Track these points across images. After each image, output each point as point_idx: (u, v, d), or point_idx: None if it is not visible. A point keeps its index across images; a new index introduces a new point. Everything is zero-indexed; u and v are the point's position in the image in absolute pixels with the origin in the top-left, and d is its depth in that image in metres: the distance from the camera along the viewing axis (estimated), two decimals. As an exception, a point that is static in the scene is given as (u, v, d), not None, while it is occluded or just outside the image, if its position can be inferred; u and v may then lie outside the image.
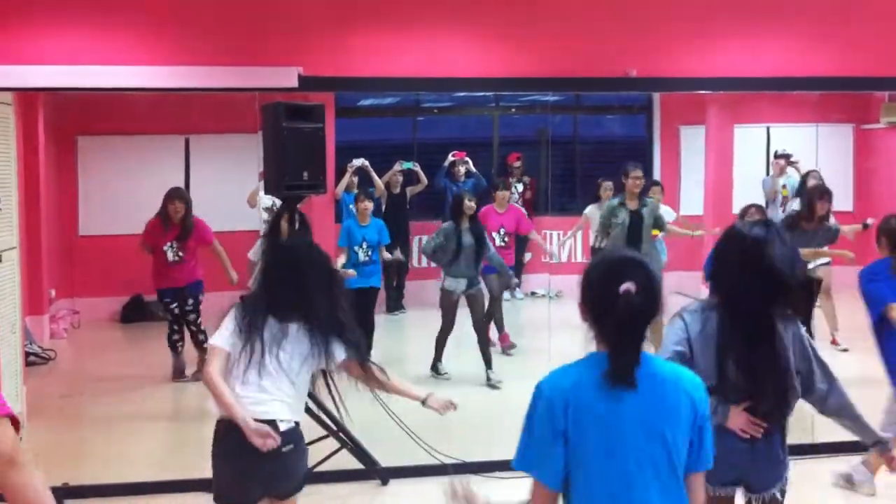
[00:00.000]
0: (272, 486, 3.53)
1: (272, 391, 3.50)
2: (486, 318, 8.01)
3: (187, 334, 7.70)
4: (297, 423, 3.58)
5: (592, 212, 8.91)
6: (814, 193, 7.71)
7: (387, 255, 8.44)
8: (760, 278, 3.06)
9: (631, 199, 7.73)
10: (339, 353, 3.61)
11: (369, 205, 8.28)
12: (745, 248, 3.12)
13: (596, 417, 2.31)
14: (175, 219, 7.64)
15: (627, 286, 2.28)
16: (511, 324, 8.69)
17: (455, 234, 7.46)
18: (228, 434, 3.45)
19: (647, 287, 2.31)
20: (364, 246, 8.13)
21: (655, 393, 2.34)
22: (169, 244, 7.61)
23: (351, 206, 9.12)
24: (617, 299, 2.28)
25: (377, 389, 3.87)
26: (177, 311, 7.64)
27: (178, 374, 7.67)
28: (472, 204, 7.58)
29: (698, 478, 2.42)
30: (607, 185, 9.13)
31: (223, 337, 3.55)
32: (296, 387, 3.57)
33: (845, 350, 7.90)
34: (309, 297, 3.59)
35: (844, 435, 3.43)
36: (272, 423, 3.44)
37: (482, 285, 7.75)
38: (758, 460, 3.19)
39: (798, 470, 3.46)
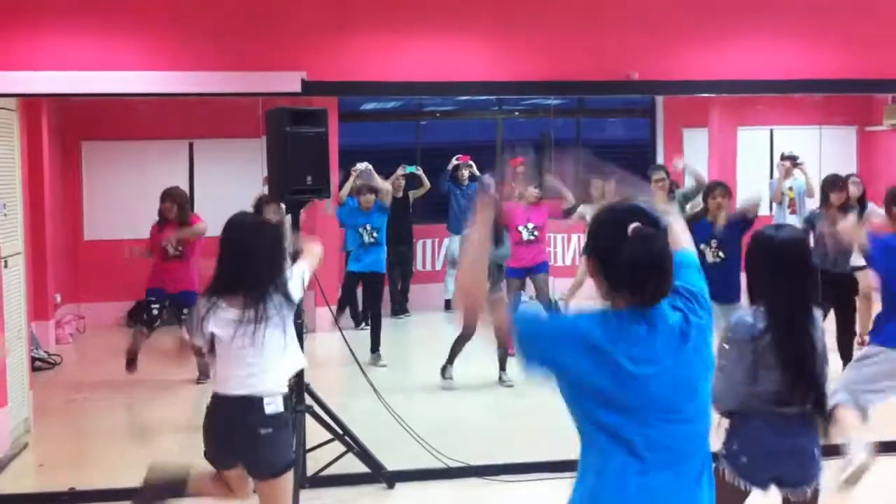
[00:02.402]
0: (247, 463, 3.73)
1: (255, 366, 3.64)
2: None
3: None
4: (285, 403, 3.69)
5: (584, 210, 8.97)
6: (825, 186, 7.72)
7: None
8: (797, 276, 3.20)
9: (659, 201, 7.82)
10: (294, 292, 3.76)
11: (371, 197, 8.57)
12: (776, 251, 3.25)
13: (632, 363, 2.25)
14: (169, 217, 7.66)
15: (636, 226, 2.25)
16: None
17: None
18: (216, 409, 3.70)
19: (655, 227, 2.28)
20: (368, 227, 8.42)
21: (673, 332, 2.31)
22: (168, 240, 7.63)
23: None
24: (626, 240, 2.24)
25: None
26: (155, 312, 7.59)
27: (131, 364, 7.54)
28: None
29: None
30: (597, 185, 9.12)
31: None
32: (269, 354, 3.66)
33: None
34: (253, 265, 3.70)
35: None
36: (258, 401, 3.61)
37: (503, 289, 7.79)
38: (795, 458, 3.21)
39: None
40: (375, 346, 8.41)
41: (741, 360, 3.17)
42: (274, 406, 3.64)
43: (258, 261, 3.70)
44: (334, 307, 8.62)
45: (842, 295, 7.35)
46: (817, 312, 3.27)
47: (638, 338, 2.26)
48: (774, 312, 3.19)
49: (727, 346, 3.22)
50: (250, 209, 8.55)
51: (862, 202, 8.34)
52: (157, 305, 7.61)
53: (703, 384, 2.38)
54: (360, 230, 8.41)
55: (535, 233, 8.40)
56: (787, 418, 3.19)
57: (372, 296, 8.70)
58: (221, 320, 3.66)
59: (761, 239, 3.34)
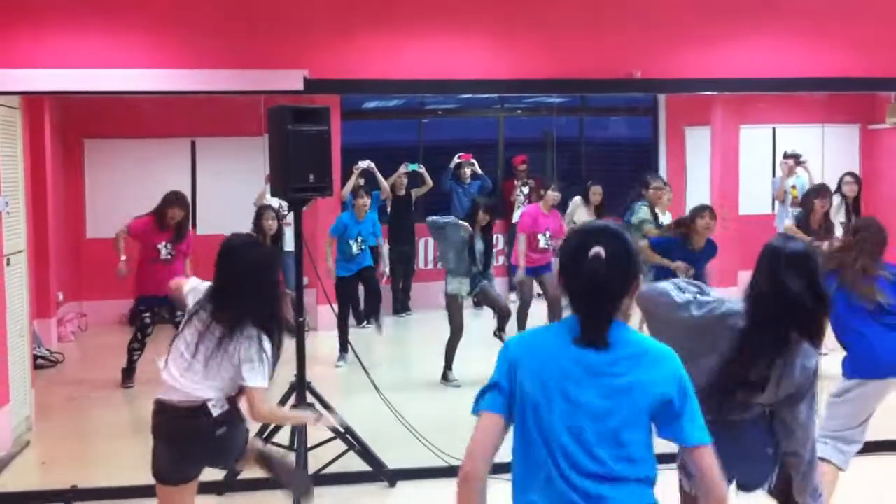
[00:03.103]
0: (209, 464, 3.78)
1: (204, 377, 3.62)
2: (519, 321, 8.39)
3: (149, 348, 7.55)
4: (231, 405, 3.66)
5: (577, 203, 8.98)
6: (811, 194, 7.83)
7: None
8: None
9: (661, 210, 7.92)
10: (247, 376, 3.59)
11: (367, 201, 8.60)
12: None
13: (559, 374, 2.31)
14: (171, 223, 7.64)
15: (597, 251, 2.29)
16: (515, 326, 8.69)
17: (469, 240, 7.55)
18: (157, 415, 3.69)
19: (617, 254, 2.31)
20: (359, 240, 8.49)
21: (625, 359, 2.31)
22: (164, 243, 7.60)
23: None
24: (585, 264, 2.29)
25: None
26: (147, 321, 7.58)
27: (127, 379, 7.62)
28: (487, 216, 7.68)
29: (701, 451, 2.30)
30: (597, 190, 9.14)
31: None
32: (221, 377, 3.64)
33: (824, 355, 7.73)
34: (235, 293, 3.66)
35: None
36: (203, 406, 3.59)
37: (488, 282, 7.86)
38: (741, 459, 3.12)
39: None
40: (376, 313, 8.60)
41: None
42: (219, 406, 3.62)
43: (242, 290, 3.67)
44: (335, 305, 8.63)
45: None
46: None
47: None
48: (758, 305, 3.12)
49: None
50: (252, 206, 8.62)
51: (857, 202, 8.41)
52: (147, 314, 7.59)
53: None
54: (352, 242, 8.41)
55: (551, 241, 8.46)
56: (731, 423, 3.13)
57: (368, 285, 8.76)
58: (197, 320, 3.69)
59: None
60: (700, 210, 6.89)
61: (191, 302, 3.80)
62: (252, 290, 3.67)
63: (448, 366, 7.62)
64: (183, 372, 3.64)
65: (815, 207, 7.85)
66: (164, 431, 3.70)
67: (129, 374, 7.65)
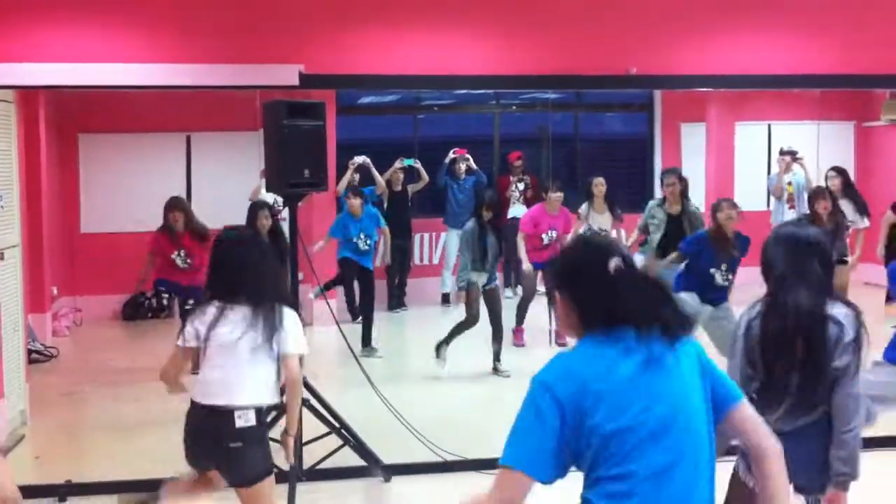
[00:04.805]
0: (221, 472, 3.77)
1: (232, 376, 3.64)
2: (519, 314, 8.47)
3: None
4: (258, 418, 3.68)
5: (585, 210, 8.96)
6: (810, 199, 7.93)
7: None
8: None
9: (672, 204, 7.87)
10: (286, 343, 3.72)
11: (357, 200, 8.63)
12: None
13: (639, 395, 2.20)
14: (178, 227, 7.64)
15: (616, 262, 2.28)
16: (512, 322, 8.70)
17: (480, 234, 7.57)
18: (189, 417, 3.75)
19: (628, 260, 2.33)
20: (362, 236, 8.54)
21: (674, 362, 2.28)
22: (177, 252, 7.61)
23: None
24: (611, 277, 2.28)
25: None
26: (165, 302, 7.60)
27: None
28: (490, 213, 7.71)
29: (744, 409, 2.37)
30: (599, 182, 9.08)
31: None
32: (252, 369, 3.67)
33: None
34: (251, 278, 3.73)
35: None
36: (229, 414, 3.61)
37: (498, 283, 7.92)
38: (805, 462, 3.09)
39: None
40: (367, 340, 8.45)
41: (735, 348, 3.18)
42: (244, 420, 3.63)
43: (255, 274, 3.75)
44: (333, 301, 8.63)
45: None
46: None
47: None
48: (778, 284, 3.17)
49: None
50: (247, 201, 8.62)
51: (844, 193, 8.51)
52: (166, 294, 7.61)
53: None
54: (356, 240, 8.49)
55: (556, 239, 8.44)
56: (795, 420, 3.14)
57: (365, 290, 8.76)
58: (229, 322, 3.69)
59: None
60: (717, 205, 6.92)
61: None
62: (258, 277, 3.76)
63: (447, 340, 7.66)
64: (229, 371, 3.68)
65: (818, 211, 7.90)
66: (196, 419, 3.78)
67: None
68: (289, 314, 3.77)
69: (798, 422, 3.15)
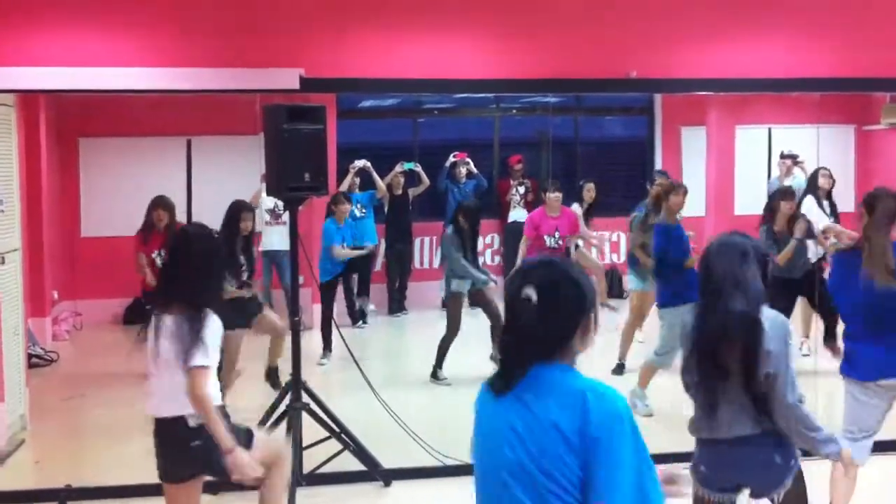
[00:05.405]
0: (195, 470, 3.81)
1: (179, 386, 3.62)
2: None
3: None
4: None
5: (576, 209, 8.98)
6: (776, 196, 7.89)
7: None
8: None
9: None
10: (193, 357, 3.60)
11: (347, 207, 8.77)
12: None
13: (479, 425, 2.31)
14: (159, 226, 7.58)
15: (527, 292, 2.18)
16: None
17: (459, 239, 7.55)
18: (155, 430, 3.81)
19: (548, 295, 2.19)
20: (343, 245, 8.70)
21: (532, 403, 2.25)
22: (157, 252, 7.56)
23: (355, 208, 9.34)
24: (516, 304, 2.21)
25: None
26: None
27: None
28: (466, 221, 7.76)
29: None
30: (589, 187, 9.10)
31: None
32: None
33: (806, 356, 7.67)
34: (185, 280, 3.71)
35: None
36: (181, 419, 3.65)
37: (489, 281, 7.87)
38: (751, 467, 3.20)
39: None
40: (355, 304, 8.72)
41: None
42: (196, 418, 3.66)
43: (189, 270, 3.71)
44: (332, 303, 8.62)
45: (805, 287, 7.47)
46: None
47: None
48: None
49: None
50: (264, 213, 8.71)
51: (829, 195, 8.51)
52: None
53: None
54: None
55: (559, 242, 8.43)
56: (734, 429, 3.21)
57: (361, 275, 8.86)
58: (165, 334, 3.69)
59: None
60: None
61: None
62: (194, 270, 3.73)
63: (438, 364, 7.63)
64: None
65: (780, 209, 7.79)
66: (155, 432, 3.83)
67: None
68: (211, 322, 3.67)
69: (738, 431, 3.21)
